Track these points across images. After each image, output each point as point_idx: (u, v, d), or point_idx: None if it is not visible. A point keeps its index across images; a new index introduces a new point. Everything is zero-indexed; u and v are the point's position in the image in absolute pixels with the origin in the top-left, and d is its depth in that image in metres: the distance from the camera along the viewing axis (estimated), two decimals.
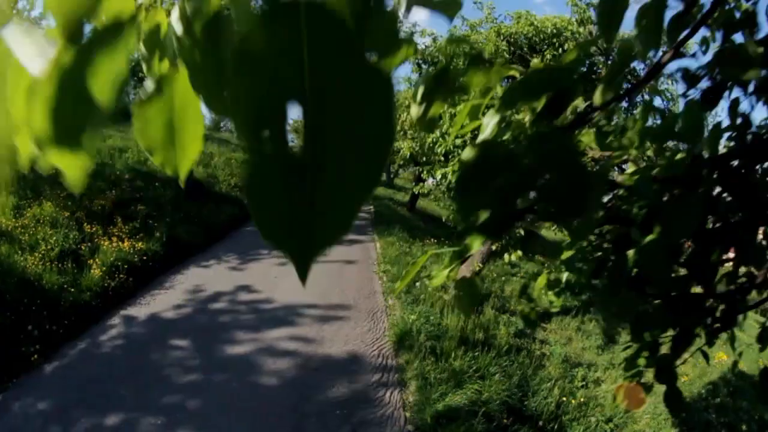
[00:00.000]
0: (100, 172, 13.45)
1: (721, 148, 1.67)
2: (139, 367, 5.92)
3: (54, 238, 9.05)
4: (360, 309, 7.42)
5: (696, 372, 9.27)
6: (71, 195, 11.03)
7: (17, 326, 6.38)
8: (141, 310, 7.72)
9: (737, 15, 1.73)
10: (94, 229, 10.05)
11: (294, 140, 0.43)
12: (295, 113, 0.40)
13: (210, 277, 9.22)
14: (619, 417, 6.39)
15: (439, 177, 8.90)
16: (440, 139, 8.60)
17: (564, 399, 6.36)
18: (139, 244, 9.77)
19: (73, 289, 7.49)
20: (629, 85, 3.52)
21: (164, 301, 8.07)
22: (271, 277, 8.88)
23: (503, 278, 11.73)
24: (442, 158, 9.16)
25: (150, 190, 13.30)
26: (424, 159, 10.72)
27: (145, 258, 9.42)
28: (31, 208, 10.17)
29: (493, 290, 10.09)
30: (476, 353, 6.40)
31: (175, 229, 11.17)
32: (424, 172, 10.00)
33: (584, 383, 7.39)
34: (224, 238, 12.38)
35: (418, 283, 8.33)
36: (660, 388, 2.05)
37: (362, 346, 6.33)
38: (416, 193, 21.48)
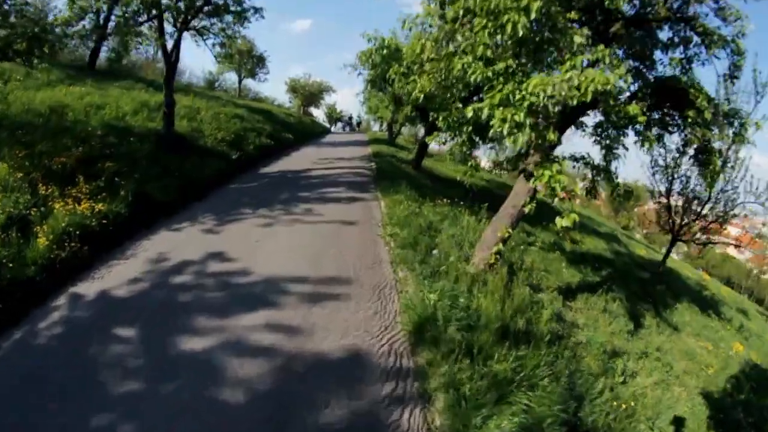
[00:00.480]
0: (69, 128, 12.08)
1: None
2: (72, 367, 4.57)
3: (0, 203, 7.72)
4: (362, 283, 5.83)
5: (719, 363, 9.03)
6: (31, 154, 9.80)
7: None
8: (92, 286, 6.35)
9: None
10: (49, 190, 8.61)
11: None
12: None
13: (180, 242, 7.75)
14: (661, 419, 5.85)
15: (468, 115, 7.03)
16: (474, 63, 6.90)
17: (614, 403, 5.34)
18: (100, 205, 8.30)
19: (13, 264, 6.28)
20: None
21: (121, 273, 6.66)
22: (251, 241, 7.35)
23: (522, 248, 10.31)
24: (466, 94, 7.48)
25: (124, 146, 11.76)
26: (444, 99, 8.94)
27: (105, 222, 8.01)
28: None
29: (513, 261, 8.58)
30: (521, 351, 4.74)
31: (147, 185, 9.70)
32: (440, 119, 8.28)
33: (624, 377, 6.64)
34: (206, 196, 10.83)
35: (435, 251, 6.76)
36: None
37: (366, 338, 4.69)
38: (426, 145, 19.86)
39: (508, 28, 5.61)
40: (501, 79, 5.98)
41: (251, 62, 38.49)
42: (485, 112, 5.83)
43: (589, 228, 19.93)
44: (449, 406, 3.83)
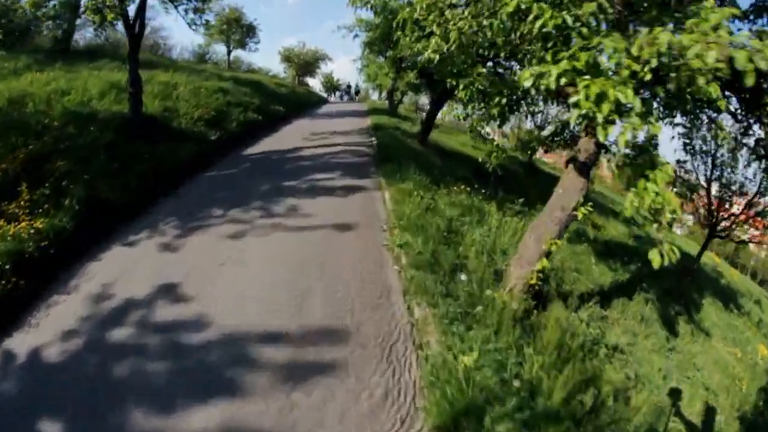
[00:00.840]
0: (25, 122, 10.45)
1: None
2: None
3: None
4: (364, 337, 4.17)
5: (748, 373, 8.45)
6: None
7: None
8: (26, 340, 4.87)
9: None
10: None
11: None
12: None
13: (131, 264, 6.18)
14: None
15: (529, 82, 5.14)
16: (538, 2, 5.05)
17: None
18: (40, 221, 6.76)
19: None
20: None
21: (58, 319, 5.16)
22: (215, 263, 5.78)
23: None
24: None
25: (82, 137, 10.04)
26: (464, 61, 7.26)
27: (45, 243, 6.44)
28: None
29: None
30: None
31: (101, 185, 8.10)
32: (460, 89, 6.61)
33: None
34: (176, 189, 9.19)
35: (462, 275, 5.16)
36: None
37: None
38: (434, 117, 18.19)
39: None
40: (584, 31, 4.10)
41: (240, 32, 36.42)
42: (552, 80, 3.82)
43: (605, 208, 18.51)
44: None
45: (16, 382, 4.22)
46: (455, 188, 8.65)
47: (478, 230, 6.56)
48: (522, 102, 6.65)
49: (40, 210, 7.07)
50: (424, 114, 21.96)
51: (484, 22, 5.44)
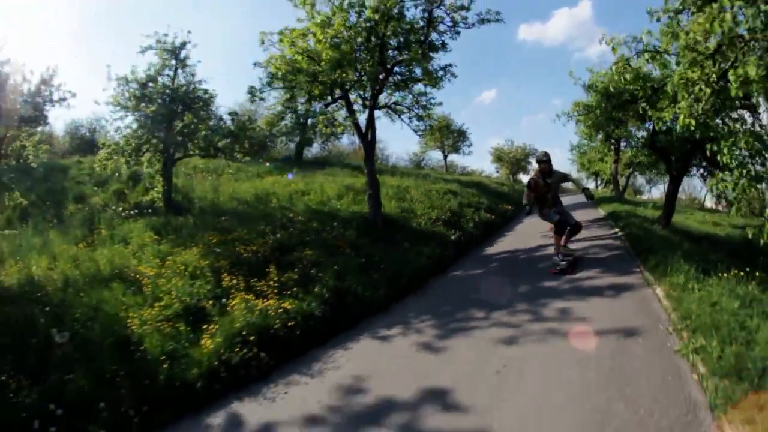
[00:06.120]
0: (270, 214, 12.09)
1: None
2: None
3: (178, 290, 7.28)
4: None
5: None
6: (224, 241, 9.55)
7: (90, 403, 4.91)
8: (258, 409, 5.00)
9: None
10: (234, 281, 7.70)
11: None
12: None
13: (385, 360, 5.72)
14: None
15: None
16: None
17: None
18: (288, 303, 7.02)
19: (173, 362, 5.69)
20: None
21: (298, 399, 5.09)
22: (489, 371, 4.93)
23: None
24: None
25: (325, 231, 10.84)
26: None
27: (291, 324, 6.59)
28: (175, 257, 8.74)
29: None
30: None
31: (347, 279, 8.14)
32: (724, 152, 5.56)
33: None
34: (422, 287, 8.91)
35: None
36: None
37: None
38: (674, 196, 16.39)
39: None
40: None
41: (451, 137, 39.57)
42: None
43: None
44: None
45: None
46: (725, 275, 7.00)
47: None
48: None
49: (288, 292, 7.38)
50: (649, 191, 20.78)
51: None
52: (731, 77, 5.14)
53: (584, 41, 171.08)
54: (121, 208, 13.10)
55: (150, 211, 12.69)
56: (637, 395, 4.06)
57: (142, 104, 12.23)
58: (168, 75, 12.92)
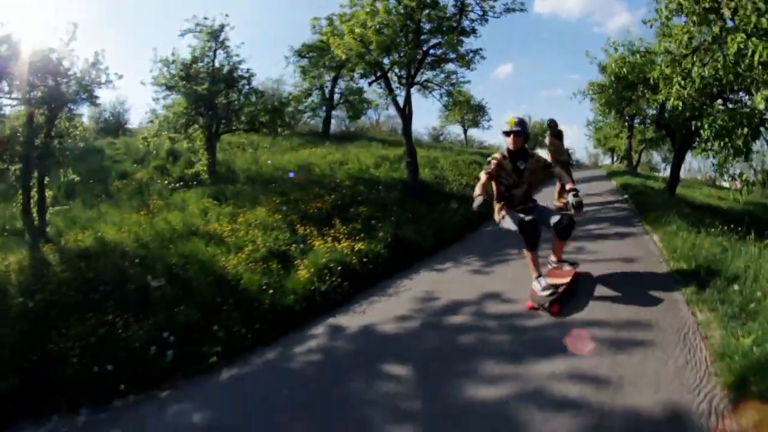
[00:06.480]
0: (317, 181, 13.60)
1: None
2: (330, 398, 4.36)
3: (261, 239, 8.89)
4: (663, 328, 4.63)
5: None
6: (286, 202, 11.12)
7: (202, 325, 6.21)
8: (353, 319, 6.41)
9: None
10: (307, 230, 9.33)
11: None
12: None
13: (445, 282, 7.31)
14: None
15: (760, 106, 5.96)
16: (751, 39, 5.90)
17: None
18: (359, 244, 8.59)
19: (273, 291, 7.00)
20: None
21: (384, 309, 6.49)
22: (527, 282, 6.53)
23: None
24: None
25: (372, 194, 12.45)
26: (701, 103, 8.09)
27: (365, 260, 8.19)
28: (244, 215, 10.36)
29: None
30: None
31: (402, 229, 9.73)
32: (705, 127, 7.08)
33: None
34: (461, 239, 10.52)
35: (735, 285, 5.28)
36: None
37: (683, 392, 3.58)
38: (678, 168, 18.00)
39: None
40: None
41: (471, 112, 40.85)
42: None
43: None
44: None
45: (349, 343, 5.61)
46: (712, 230, 8.61)
47: (737, 261, 6.54)
48: (761, 129, 7.03)
49: (357, 237, 8.92)
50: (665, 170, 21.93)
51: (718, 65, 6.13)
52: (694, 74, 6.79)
53: (603, 15, 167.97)
54: (166, 181, 14.66)
55: (195, 183, 14.13)
56: (634, 293, 5.63)
57: (188, 84, 13.70)
58: (209, 57, 14.34)
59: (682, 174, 35.25)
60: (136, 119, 33.05)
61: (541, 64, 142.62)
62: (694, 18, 6.54)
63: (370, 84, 14.87)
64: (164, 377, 5.45)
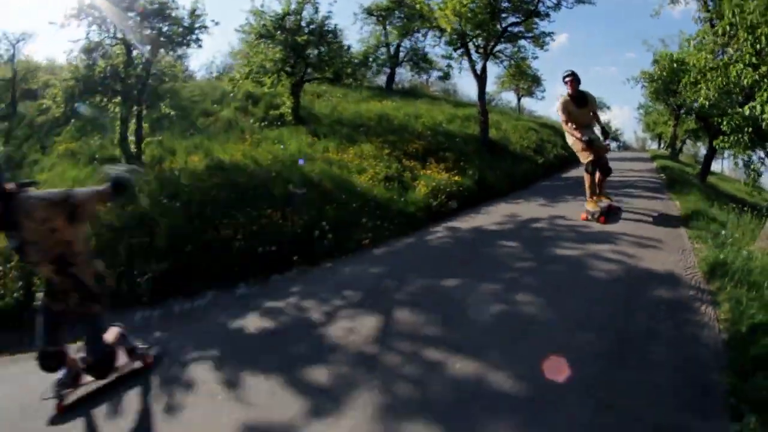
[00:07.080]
0: (400, 129, 15.77)
1: None
2: (469, 255, 7.16)
3: (378, 167, 11.15)
4: (668, 245, 7.26)
5: None
6: (385, 141, 13.40)
7: (352, 219, 8.33)
8: (464, 223, 9.15)
9: None
10: (412, 164, 12.01)
11: None
12: None
13: (521, 209, 10.16)
14: None
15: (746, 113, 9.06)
16: (745, 68, 8.83)
17: None
18: (456, 177, 11.34)
19: (399, 202, 9.49)
20: None
21: (485, 220, 9.31)
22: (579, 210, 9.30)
23: None
24: None
25: (453, 144, 14.87)
26: (725, 104, 11.21)
27: (461, 189, 10.86)
28: (352, 148, 12.53)
29: None
30: None
31: (483, 172, 12.42)
32: (724, 123, 9.95)
33: None
34: (524, 187, 13.32)
35: (723, 231, 7.95)
36: None
37: (677, 268, 6.22)
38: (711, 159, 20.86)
39: (763, 40, 7.38)
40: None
41: (527, 82, 40.63)
42: (758, 108, 7.37)
43: None
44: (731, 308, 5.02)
45: (466, 233, 8.38)
46: (724, 207, 11.15)
47: (731, 220, 9.05)
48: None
49: (453, 172, 11.69)
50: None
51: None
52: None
53: None
54: (251, 120, 16.33)
55: (279, 123, 15.69)
56: (651, 227, 8.35)
57: (283, 34, 14.73)
58: (301, 10, 15.22)
59: (728, 173, 37.00)
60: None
61: (597, 38, 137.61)
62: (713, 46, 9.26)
63: (455, 50, 16.98)
64: (323, 257, 7.31)
